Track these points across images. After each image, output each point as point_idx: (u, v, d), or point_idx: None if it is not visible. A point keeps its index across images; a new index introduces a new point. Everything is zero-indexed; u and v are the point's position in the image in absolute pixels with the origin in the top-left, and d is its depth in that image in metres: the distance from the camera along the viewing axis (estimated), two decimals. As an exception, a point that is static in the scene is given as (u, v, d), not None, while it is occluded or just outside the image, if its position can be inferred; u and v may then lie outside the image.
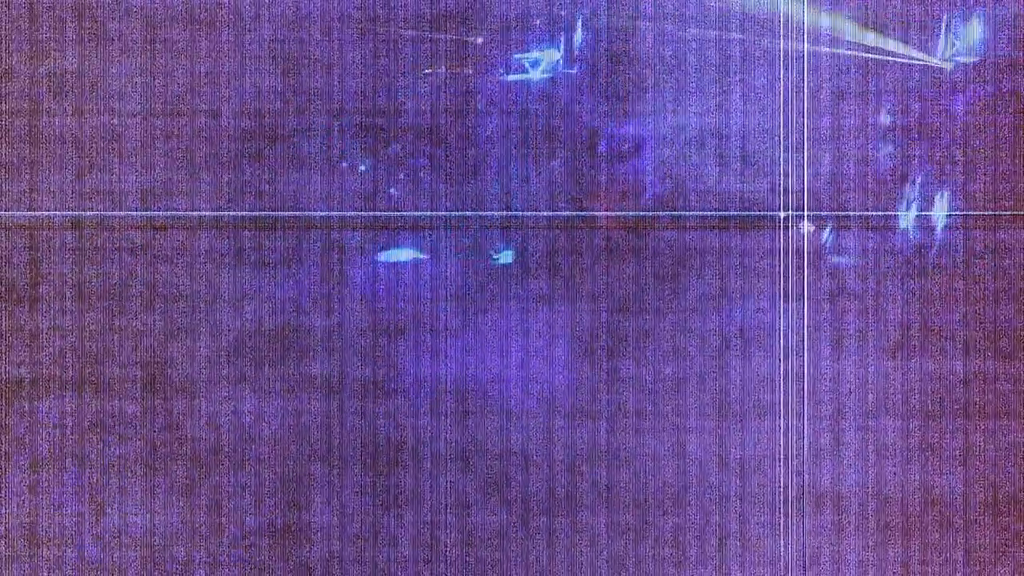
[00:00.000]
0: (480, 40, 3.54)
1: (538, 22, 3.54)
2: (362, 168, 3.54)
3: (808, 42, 3.52)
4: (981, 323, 3.50)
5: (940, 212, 3.54)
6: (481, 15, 3.54)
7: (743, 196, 3.55)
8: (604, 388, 3.53)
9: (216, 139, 3.54)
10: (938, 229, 3.54)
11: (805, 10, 3.52)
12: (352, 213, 3.54)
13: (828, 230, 3.49)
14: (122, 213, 3.51)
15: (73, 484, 3.48)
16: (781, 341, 3.50)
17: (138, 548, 3.49)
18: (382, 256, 3.50)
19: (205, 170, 3.54)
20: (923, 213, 3.54)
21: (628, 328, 3.52)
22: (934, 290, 3.53)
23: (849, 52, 3.51)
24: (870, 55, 3.50)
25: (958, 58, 3.48)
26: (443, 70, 3.52)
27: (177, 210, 3.52)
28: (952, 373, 3.50)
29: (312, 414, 3.52)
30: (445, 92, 3.55)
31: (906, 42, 3.52)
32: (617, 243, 3.54)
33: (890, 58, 3.49)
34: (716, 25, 3.55)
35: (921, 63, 3.50)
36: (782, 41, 3.52)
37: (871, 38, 3.48)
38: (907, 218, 3.54)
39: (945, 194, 3.54)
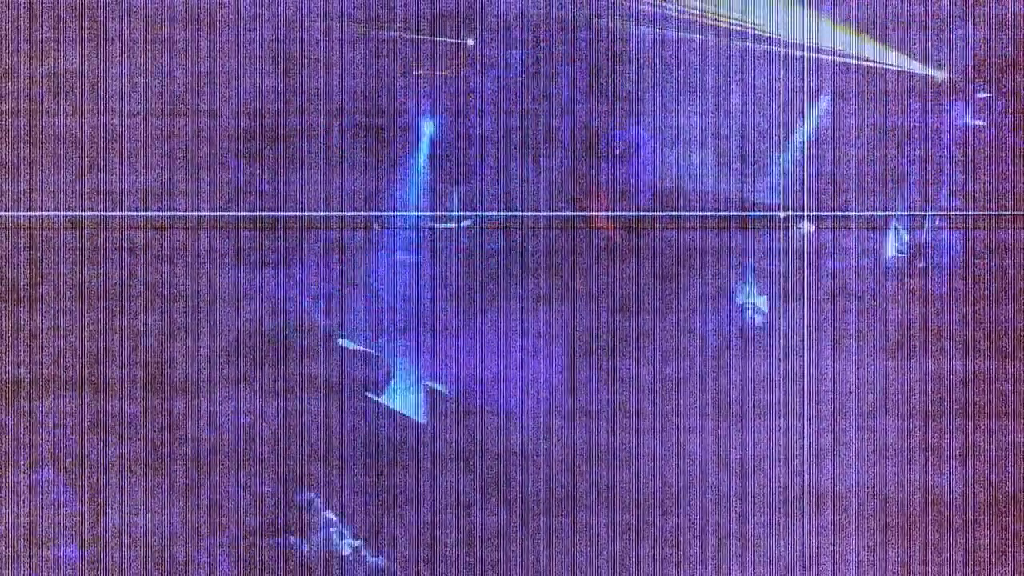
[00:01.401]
0: (476, 41, 3.54)
1: (537, 22, 3.55)
2: (362, 168, 3.55)
3: (808, 44, 3.52)
4: (981, 323, 3.50)
5: (937, 211, 3.54)
6: (481, 15, 3.54)
7: (743, 196, 3.55)
8: (604, 388, 3.53)
9: (216, 139, 3.54)
10: (935, 228, 3.54)
11: (805, 12, 3.52)
12: (352, 213, 3.54)
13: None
14: (122, 213, 3.51)
15: (73, 484, 3.48)
16: (781, 341, 3.50)
17: (138, 548, 3.49)
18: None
19: (205, 170, 3.54)
20: (922, 213, 3.54)
21: (628, 328, 3.52)
22: (934, 290, 3.53)
23: (849, 59, 3.52)
24: (869, 61, 3.50)
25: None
26: (438, 71, 3.52)
27: (177, 210, 3.52)
28: (952, 373, 3.50)
29: (312, 414, 3.52)
30: (445, 92, 3.56)
31: (905, 45, 3.52)
32: (617, 243, 3.55)
33: (888, 65, 3.49)
34: (716, 32, 3.55)
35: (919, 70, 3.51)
36: (782, 42, 3.52)
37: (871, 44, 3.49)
38: (905, 218, 3.54)
39: (944, 194, 3.55)
